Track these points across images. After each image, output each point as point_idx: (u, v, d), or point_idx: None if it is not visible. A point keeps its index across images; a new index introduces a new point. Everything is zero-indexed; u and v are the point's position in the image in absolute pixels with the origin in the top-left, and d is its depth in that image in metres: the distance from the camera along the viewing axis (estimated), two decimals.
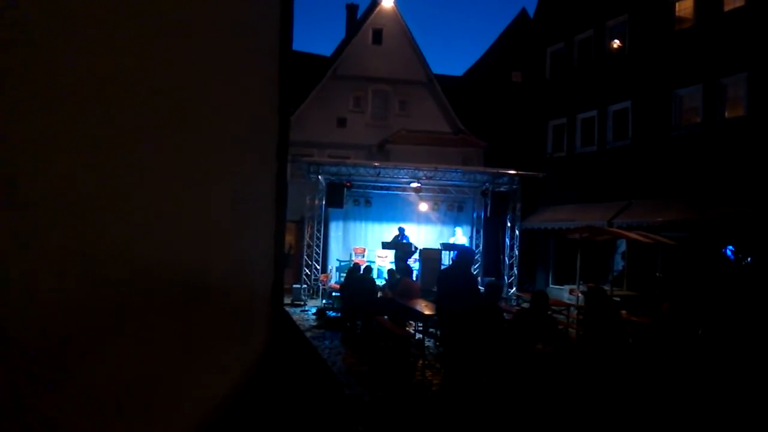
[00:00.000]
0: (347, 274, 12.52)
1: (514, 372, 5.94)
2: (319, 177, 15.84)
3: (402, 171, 15.99)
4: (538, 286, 17.39)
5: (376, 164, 16.22)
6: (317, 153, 19.30)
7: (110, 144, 1.30)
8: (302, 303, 14.93)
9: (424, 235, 17.31)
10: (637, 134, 15.32)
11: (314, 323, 12.71)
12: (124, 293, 1.38)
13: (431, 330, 10.15)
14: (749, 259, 11.96)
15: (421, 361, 8.96)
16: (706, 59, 13.31)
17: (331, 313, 13.43)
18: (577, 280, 12.22)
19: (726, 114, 13.20)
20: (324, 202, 16.05)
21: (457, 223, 17.79)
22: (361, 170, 15.89)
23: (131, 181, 1.43)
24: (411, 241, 15.80)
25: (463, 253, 8.07)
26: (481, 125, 22.44)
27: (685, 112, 14.29)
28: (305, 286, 15.80)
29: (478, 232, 18.17)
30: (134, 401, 1.49)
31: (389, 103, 21.44)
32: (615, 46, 16.53)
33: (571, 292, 13.34)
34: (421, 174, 15.91)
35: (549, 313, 7.09)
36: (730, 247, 12.40)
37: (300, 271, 16.20)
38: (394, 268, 13.88)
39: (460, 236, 17.13)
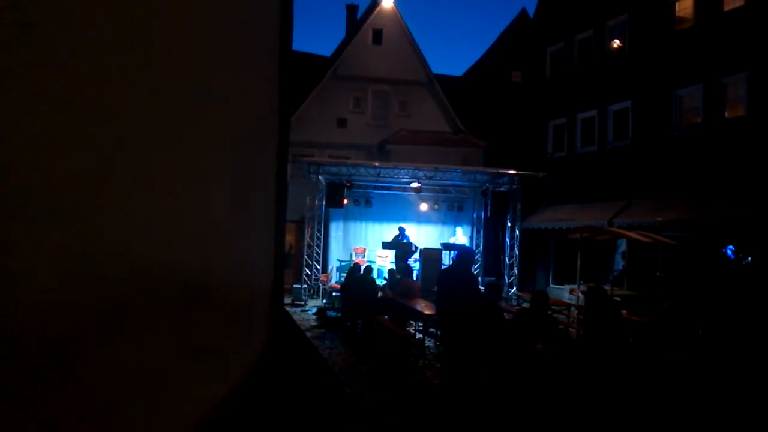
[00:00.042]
0: (347, 274, 12.52)
1: (514, 372, 5.94)
2: (320, 177, 15.84)
3: (402, 171, 15.99)
4: (539, 285, 17.39)
5: (376, 164, 16.22)
6: (317, 153, 19.31)
7: (110, 144, 1.30)
8: (302, 303, 14.93)
9: (425, 235, 17.31)
10: (637, 134, 15.32)
11: (314, 323, 12.71)
12: (124, 293, 1.38)
13: (431, 330, 10.15)
14: (749, 258, 11.96)
15: (421, 361, 8.96)
16: (706, 59, 13.31)
17: (332, 313, 13.43)
18: (577, 280, 12.22)
19: (726, 114, 13.19)
20: (324, 202, 16.05)
21: (457, 223, 17.79)
22: (362, 170, 15.90)
23: (131, 181, 1.43)
24: (411, 241, 15.79)
25: (463, 253, 8.07)
26: (481, 125, 22.44)
27: (685, 112, 14.28)
28: (305, 286, 15.80)
29: (478, 232, 18.17)
30: (134, 401, 1.49)
31: (389, 103, 21.45)
32: (615, 45, 16.52)
33: (571, 291, 13.34)
34: (421, 174, 15.91)
35: (549, 312, 7.09)
36: (731, 247, 12.40)
37: (300, 271, 16.21)
38: (394, 268, 13.89)
39: (461, 236, 17.13)
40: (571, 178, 17.35)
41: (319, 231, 16.47)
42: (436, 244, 16.10)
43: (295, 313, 13.33)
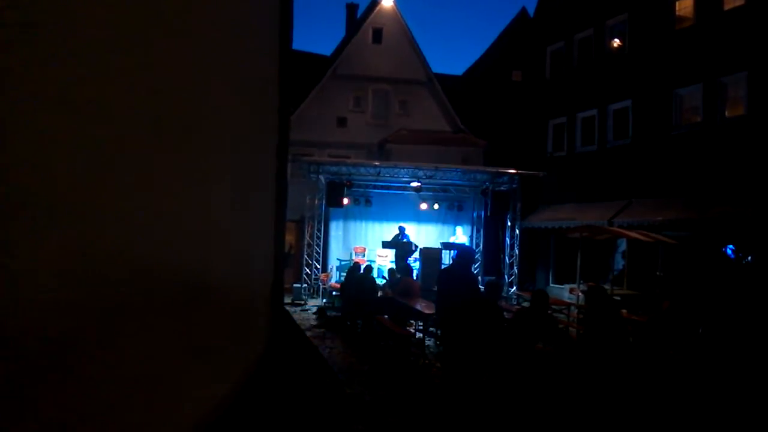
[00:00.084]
0: (347, 273, 12.52)
1: (514, 371, 5.94)
2: (320, 176, 15.84)
3: (402, 170, 15.99)
4: (539, 285, 17.39)
5: (376, 164, 16.22)
6: (317, 152, 19.31)
7: (110, 144, 1.30)
8: (302, 302, 14.93)
9: (425, 235, 17.31)
10: (637, 133, 15.31)
11: (315, 323, 12.71)
12: (124, 293, 1.38)
13: (431, 329, 10.16)
14: (749, 258, 11.96)
15: (421, 361, 8.96)
16: (707, 58, 13.31)
17: (332, 313, 13.43)
18: (577, 279, 12.22)
19: (726, 113, 13.19)
20: (324, 202, 16.05)
21: (457, 222, 17.79)
22: (362, 170, 15.89)
23: (131, 181, 1.43)
24: (411, 240, 15.79)
25: (463, 253, 8.06)
26: (481, 124, 22.44)
27: (685, 112, 14.28)
28: (305, 285, 15.80)
29: (478, 231, 18.17)
30: (134, 401, 1.50)
31: (389, 102, 21.44)
32: (615, 45, 16.52)
33: (571, 291, 13.34)
34: (421, 173, 15.90)
35: (549, 312, 7.09)
36: (731, 246, 12.40)
37: (300, 270, 16.21)
38: (394, 267, 13.89)
39: (461, 235, 17.13)
40: (571, 178, 17.35)
41: (319, 230, 16.47)
42: (436, 244, 16.10)
43: (295, 313, 13.33)
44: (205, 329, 2.14)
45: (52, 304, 1.08)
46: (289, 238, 18.76)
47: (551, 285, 17.10)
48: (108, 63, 1.27)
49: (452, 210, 17.87)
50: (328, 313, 13.19)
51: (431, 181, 16.35)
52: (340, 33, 26.48)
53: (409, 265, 13.25)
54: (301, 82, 20.03)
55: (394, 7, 21.60)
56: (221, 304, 2.37)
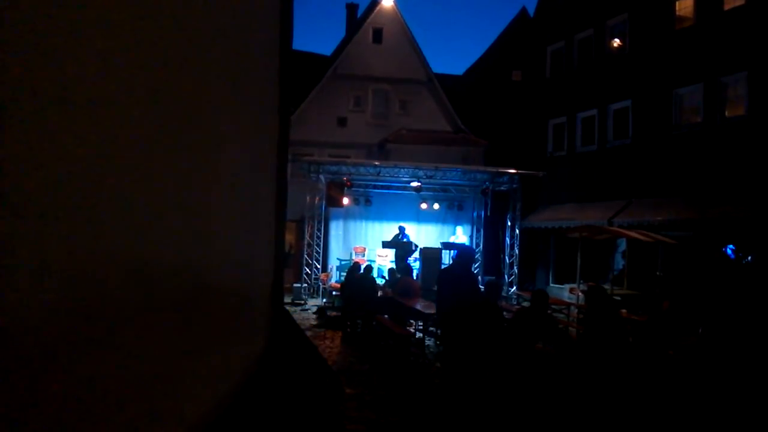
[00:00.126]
0: (347, 273, 12.53)
1: (514, 371, 5.94)
2: (320, 176, 15.84)
3: (402, 170, 15.99)
4: (539, 285, 17.39)
5: (376, 163, 16.22)
6: (317, 152, 19.30)
7: (110, 144, 1.30)
8: (302, 302, 14.94)
9: (425, 234, 17.32)
10: (637, 133, 15.31)
11: (314, 322, 12.71)
12: (124, 293, 1.38)
13: (431, 329, 10.16)
14: (750, 258, 11.96)
15: (421, 360, 8.97)
16: (707, 58, 13.31)
17: (332, 312, 13.44)
18: (577, 279, 12.22)
19: (726, 113, 13.19)
20: (324, 202, 16.05)
21: (457, 222, 17.79)
22: (362, 169, 15.89)
23: (131, 180, 1.43)
24: (411, 240, 15.80)
25: (463, 252, 8.06)
26: (482, 124, 22.44)
27: (685, 111, 14.28)
28: (305, 285, 15.81)
29: (478, 231, 18.17)
30: (134, 400, 1.50)
31: (389, 102, 21.44)
32: (615, 45, 16.52)
33: (571, 291, 13.34)
34: (421, 173, 15.91)
35: (549, 312, 7.09)
36: (731, 246, 12.40)
37: (300, 270, 16.21)
38: (394, 267, 13.89)
39: (461, 235, 17.14)
40: (571, 178, 17.35)
41: (319, 230, 16.48)
42: (436, 243, 16.10)
43: (295, 313, 13.33)
44: (205, 329, 2.14)
45: (52, 304, 1.08)
46: (289, 237, 18.76)
47: (551, 285, 17.11)
48: (108, 63, 1.27)
49: (452, 210, 17.87)
50: (328, 313, 13.19)
51: (431, 180, 16.35)
52: (340, 33, 26.52)
53: (409, 264, 13.25)
54: (301, 81, 20.03)
55: (395, 7, 21.60)
56: (221, 304, 2.38)
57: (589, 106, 16.99)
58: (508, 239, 17.06)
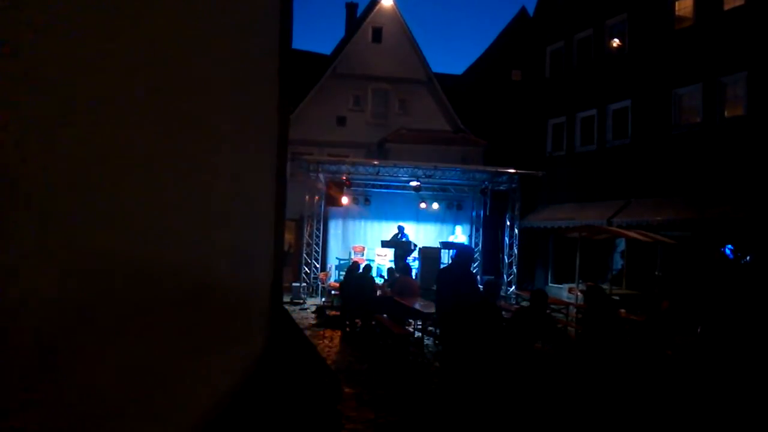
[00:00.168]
0: (346, 272, 12.53)
1: (513, 370, 5.94)
2: (319, 175, 15.84)
3: (401, 169, 15.99)
4: (538, 284, 17.40)
5: (375, 163, 16.22)
6: (317, 151, 19.29)
7: (110, 144, 1.30)
8: (301, 301, 14.94)
9: (424, 234, 17.33)
10: (636, 133, 15.32)
11: (313, 321, 12.71)
12: (124, 293, 1.38)
13: (430, 328, 10.16)
14: (748, 258, 11.98)
15: (420, 360, 8.97)
16: (706, 58, 13.31)
17: (331, 311, 13.44)
18: (576, 279, 12.23)
19: (726, 113, 13.20)
20: (323, 201, 16.05)
21: (456, 221, 17.80)
22: (361, 169, 15.90)
23: (131, 180, 1.43)
24: (410, 239, 15.81)
25: (462, 252, 8.06)
26: (481, 124, 22.44)
27: (684, 111, 14.29)
28: (304, 284, 15.81)
29: (477, 230, 18.18)
30: (135, 399, 1.50)
31: (389, 101, 21.44)
32: (615, 45, 16.52)
33: (570, 290, 13.35)
34: (420, 172, 15.91)
35: (548, 311, 7.10)
36: (730, 246, 12.41)
37: (299, 269, 16.21)
38: (393, 266, 13.90)
39: (460, 235, 17.15)
40: (570, 177, 17.36)
41: (318, 229, 16.48)
42: (435, 243, 16.11)
43: (294, 312, 13.33)
44: (205, 328, 2.14)
45: (52, 304, 1.08)
46: (289, 237, 18.76)
47: (550, 284, 17.12)
48: (108, 62, 1.27)
49: (451, 209, 17.88)
50: (327, 312, 13.20)
51: (430, 180, 16.36)
52: (340, 32, 26.48)
53: (408, 264, 13.26)
54: (300, 81, 20.03)
55: (394, 7, 21.60)
56: (221, 303, 2.38)
57: (589, 106, 16.99)
58: (507, 239, 17.06)
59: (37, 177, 1.03)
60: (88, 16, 1.18)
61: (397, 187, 16.99)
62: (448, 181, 17.08)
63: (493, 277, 15.18)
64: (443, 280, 7.19)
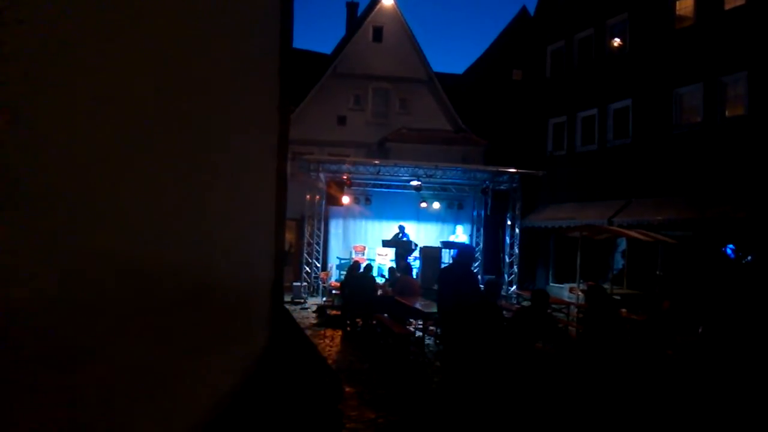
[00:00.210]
0: (347, 272, 12.53)
1: (514, 370, 5.94)
2: (320, 175, 15.84)
3: (402, 169, 15.99)
4: (539, 284, 17.40)
5: (376, 162, 16.22)
6: (317, 151, 19.29)
7: (110, 143, 1.30)
8: (302, 301, 14.95)
9: (425, 233, 17.33)
10: (637, 133, 15.31)
11: (314, 321, 12.72)
12: (124, 293, 1.38)
13: (431, 328, 10.16)
14: (749, 258, 11.97)
15: (420, 359, 8.97)
16: (707, 58, 13.30)
17: (331, 311, 13.44)
18: (577, 279, 12.22)
19: (726, 113, 13.19)
20: (324, 200, 16.05)
21: (457, 221, 17.80)
22: (362, 168, 15.89)
23: (131, 180, 1.43)
24: (411, 239, 15.80)
25: (463, 252, 8.07)
26: (482, 123, 22.43)
27: (685, 111, 14.27)
28: (305, 284, 15.81)
29: (478, 230, 18.18)
30: (135, 400, 1.49)
31: (389, 101, 21.43)
32: (615, 44, 16.51)
33: (571, 290, 13.35)
34: (421, 172, 15.91)
35: (549, 311, 7.09)
36: (731, 246, 12.40)
37: (300, 269, 16.22)
38: (394, 266, 13.90)
39: (461, 234, 17.15)
40: (571, 177, 17.35)
41: (318, 229, 16.48)
42: (436, 243, 16.11)
43: (295, 311, 13.33)
44: (205, 328, 2.14)
45: (52, 304, 1.08)
46: (289, 236, 18.76)
47: (551, 284, 17.11)
48: (107, 61, 1.27)
49: (452, 209, 17.88)
50: (328, 312, 13.20)
51: (431, 180, 16.36)
52: (341, 31, 26.51)
53: (409, 263, 13.26)
54: (301, 80, 20.02)
55: (395, 6, 21.58)
56: (221, 303, 2.37)
57: (589, 105, 16.98)
58: (508, 238, 17.06)
59: (37, 177, 1.03)
60: (88, 16, 1.18)
61: (397, 187, 16.99)
62: (449, 180, 17.08)
63: (494, 276, 15.18)
64: (444, 279, 7.20)
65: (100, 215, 1.27)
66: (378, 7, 21.55)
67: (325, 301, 14.53)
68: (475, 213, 18.14)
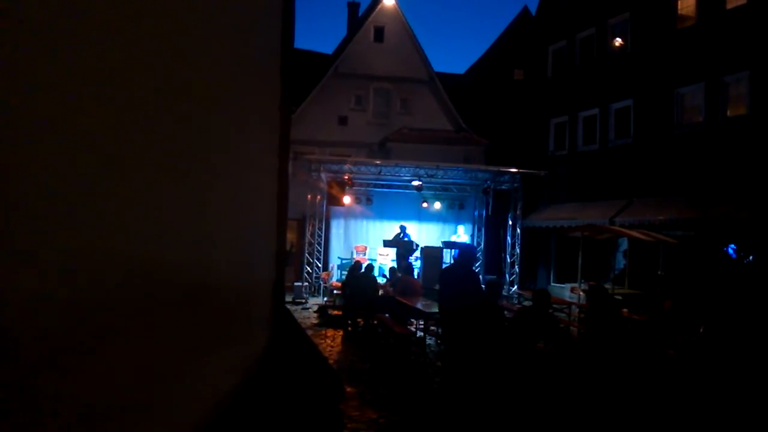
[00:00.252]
0: (348, 272, 12.54)
1: (516, 370, 5.94)
2: (321, 175, 15.84)
3: (403, 169, 15.99)
4: (540, 284, 17.38)
5: (377, 162, 16.23)
6: (318, 151, 19.30)
7: (110, 143, 1.30)
8: (303, 301, 14.95)
9: (426, 233, 17.33)
10: (639, 132, 15.30)
11: (315, 321, 12.72)
12: (124, 293, 1.38)
13: (432, 328, 10.16)
14: (751, 257, 11.95)
15: (422, 359, 8.97)
16: (709, 57, 13.28)
17: (333, 311, 13.44)
18: (578, 279, 12.21)
19: (728, 112, 13.17)
20: (325, 200, 16.05)
21: (458, 221, 17.80)
22: (363, 168, 15.90)
23: (131, 179, 1.42)
24: (412, 239, 15.80)
25: (465, 252, 8.07)
26: (483, 123, 22.42)
27: (687, 111, 14.26)
28: (306, 284, 15.82)
29: (479, 230, 18.17)
30: (135, 400, 1.49)
31: (391, 101, 21.43)
32: (617, 44, 16.50)
33: (572, 290, 13.33)
34: (422, 172, 15.91)
35: (550, 311, 7.09)
36: (732, 246, 12.38)
37: (301, 269, 16.22)
38: (395, 266, 13.90)
39: (462, 234, 17.15)
40: (572, 177, 17.34)
41: (320, 229, 16.48)
42: (437, 242, 16.11)
43: (296, 311, 13.34)
44: (206, 328, 2.14)
45: (52, 304, 1.08)
46: (291, 236, 18.76)
47: (552, 284, 17.10)
48: (107, 61, 1.27)
49: (453, 209, 17.89)
50: (329, 312, 13.21)
51: (432, 179, 16.36)
52: (342, 31, 26.54)
53: (410, 263, 13.26)
54: (302, 80, 20.03)
55: (396, 6, 21.58)
56: (222, 303, 2.37)
57: (591, 105, 16.97)
58: (509, 238, 17.05)
59: (37, 177, 1.03)
60: (88, 16, 1.18)
61: (399, 187, 16.99)
62: (450, 180, 17.08)
63: (495, 276, 15.18)
64: (446, 279, 7.20)
65: (100, 215, 1.27)
66: (379, 7, 21.55)
67: (326, 301, 14.54)
68: (476, 213, 18.13)
